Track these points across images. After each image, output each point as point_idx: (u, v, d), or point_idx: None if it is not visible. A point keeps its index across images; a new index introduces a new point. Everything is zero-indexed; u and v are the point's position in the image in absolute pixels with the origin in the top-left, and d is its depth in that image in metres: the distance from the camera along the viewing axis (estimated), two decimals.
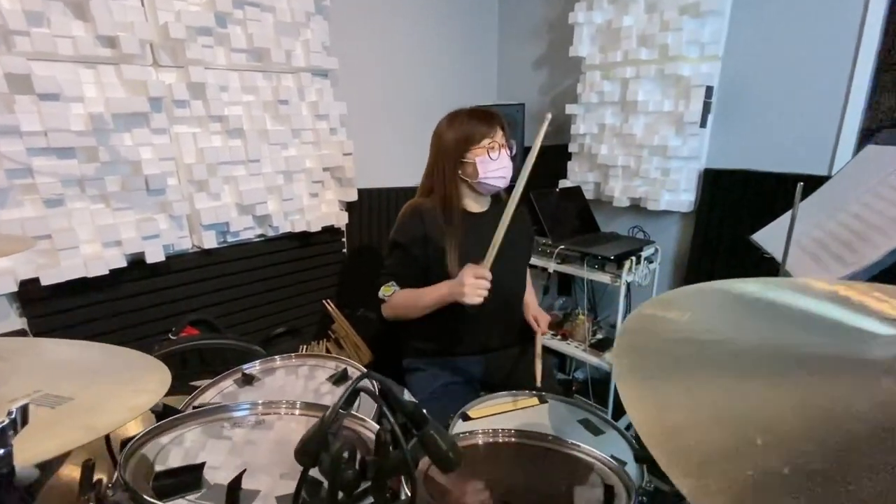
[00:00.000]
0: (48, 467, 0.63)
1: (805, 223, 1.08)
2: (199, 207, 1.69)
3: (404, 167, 2.28)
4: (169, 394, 0.68)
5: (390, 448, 0.51)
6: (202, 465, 0.64)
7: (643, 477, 0.86)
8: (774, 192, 1.83)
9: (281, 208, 1.89)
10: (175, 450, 0.70)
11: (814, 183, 1.24)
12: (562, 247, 2.03)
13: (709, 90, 1.90)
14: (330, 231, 2.10)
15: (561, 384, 1.73)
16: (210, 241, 1.73)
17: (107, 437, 0.71)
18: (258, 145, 1.78)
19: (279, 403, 0.82)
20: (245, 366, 1.06)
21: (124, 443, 0.68)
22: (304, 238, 2.01)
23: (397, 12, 2.28)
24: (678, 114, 1.98)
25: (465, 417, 1.05)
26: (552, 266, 2.06)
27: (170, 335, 1.55)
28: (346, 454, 0.48)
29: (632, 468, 0.86)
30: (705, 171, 2.05)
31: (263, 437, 0.75)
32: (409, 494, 0.52)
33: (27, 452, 0.42)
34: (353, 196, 2.11)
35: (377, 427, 0.70)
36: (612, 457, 0.85)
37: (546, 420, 1.05)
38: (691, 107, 1.93)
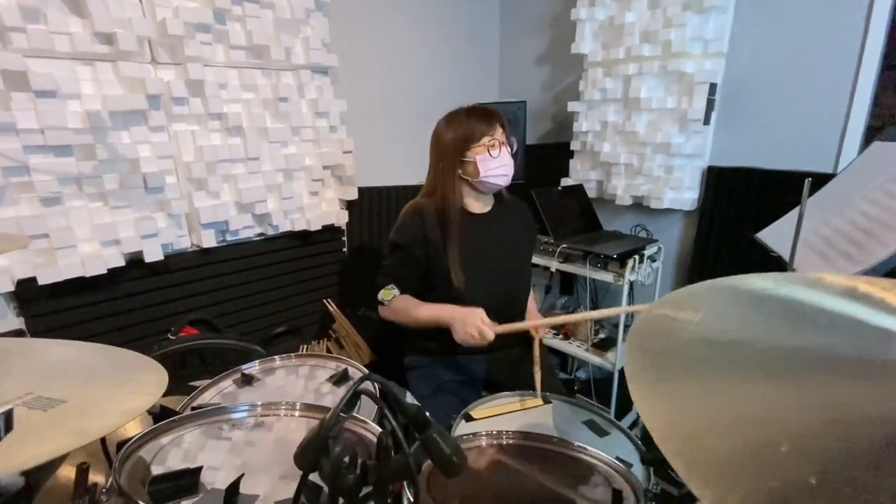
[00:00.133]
0: (44, 471, 0.61)
1: (812, 220, 1.07)
2: (198, 206, 1.67)
3: (405, 165, 2.26)
4: (168, 394, 0.66)
5: (392, 452, 0.50)
6: (199, 468, 0.63)
7: (650, 479, 0.84)
8: (779, 190, 1.81)
9: (281, 207, 1.87)
10: (173, 452, 0.68)
11: (819, 180, 1.22)
12: (564, 245, 2.02)
13: (712, 87, 1.88)
14: (330, 230, 2.08)
15: (563, 384, 1.71)
16: (209, 240, 1.71)
17: (102, 439, 0.69)
18: (258, 143, 1.76)
19: (278, 405, 0.80)
20: (244, 366, 1.05)
21: (120, 445, 0.67)
22: (304, 237, 2.00)
23: (398, 9, 2.27)
24: (681, 111, 1.96)
25: (468, 418, 1.04)
26: (554, 265, 2.05)
27: (169, 335, 1.54)
28: (346, 459, 0.47)
29: (637, 470, 0.85)
30: (709, 169, 2.03)
31: (262, 438, 0.74)
32: (412, 500, 0.51)
33: (14, 459, 0.40)
34: (353, 194, 2.10)
35: (378, 430, 0.68)
36: (618, 458, 0.84)
37: (550, 421, 1.04)
38: (695, 104, 1.91)
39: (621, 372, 1.99)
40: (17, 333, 1.41)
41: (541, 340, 1.27)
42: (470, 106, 1.35)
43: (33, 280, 1.35)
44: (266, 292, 1.94)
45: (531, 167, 2.42)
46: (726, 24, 1.88)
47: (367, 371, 1.04)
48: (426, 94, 2.44)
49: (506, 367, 1.41)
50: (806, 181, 0.96)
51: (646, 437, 1.41)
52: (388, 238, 1.38)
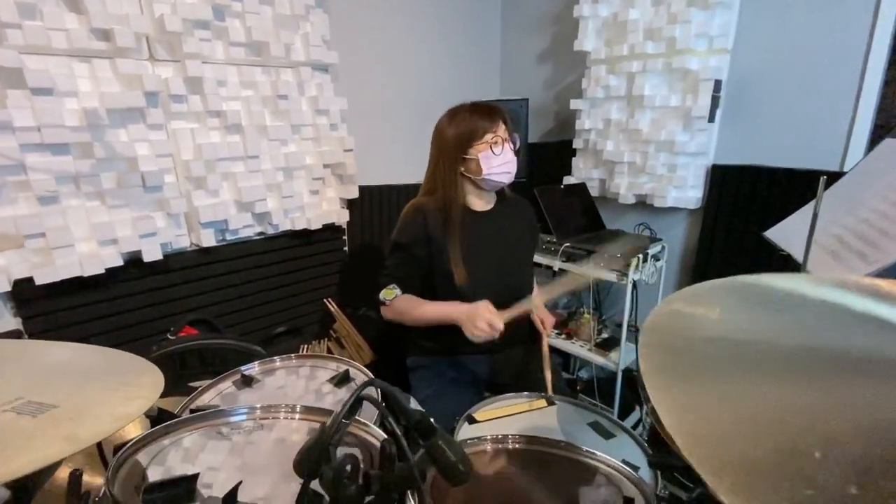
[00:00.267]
0: (36, 480, 0.59)
1: (822, 219, 1.05)
2: (198, 205, 1.65)
3: (406, 164, 2.24)
4: (167, 395, 0.64)
5: (396, 460, 0.48)
6: (196, 476, 0.61)
7: (657, 483, 0.82)
8: (785, 189, 1.79)
9: (281, 206, 1.85)
10: (170, 457, 0.66)
11: (829, 178, 1.20)
12: (567, 244, 2.00)
13: (717, 84, 1.86)
14: (331, 229, 2.07)
15: (566, 384, 1.70)
16: (209, 240, 1.70)
17: (99, 443, 0.67)
18: (257, 141, 1.74)
19: (278, 408, 0.78)
20: (244, 367, 1.03)
21: (117, 448, 0.65)
22: (304, 236, 1.98)
23: (399, 6, 2.24)
24: (686, 108, 1.94)
25: (472, 420, 1.02)
26: (557, 264, 2.03)
27: (168, 335, 1.52)
28: (348, 467, 0.45)
29: (644, 472, 0.83)
30: (713, 167, 2.00)
31: (263, 438, 0.72)
32: None
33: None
34: (354, 193, 2.08)
35: (381, 433, 0.66)
36: (625, 462, 0.82)
37: (555, 423, 1.02)
38: (699, 101, 1.89)
39: (624, 372, 1.97)
40: (15, 334, 1.39)
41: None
42: (472, 102, 1.33)
43: (30, 280, 1.34)
44: (266, 292, 1.92)
45: (533, 165, 2.40)
46: (731, 21, 1.86)
47: (367, 371, 1.02)
48: (427, 92, 2.42)
49: (508, 366, 1.40)
50: (821, 179, 0.94)
51: (651, 439, 1.39)
52: (390, 238, 1.36)
